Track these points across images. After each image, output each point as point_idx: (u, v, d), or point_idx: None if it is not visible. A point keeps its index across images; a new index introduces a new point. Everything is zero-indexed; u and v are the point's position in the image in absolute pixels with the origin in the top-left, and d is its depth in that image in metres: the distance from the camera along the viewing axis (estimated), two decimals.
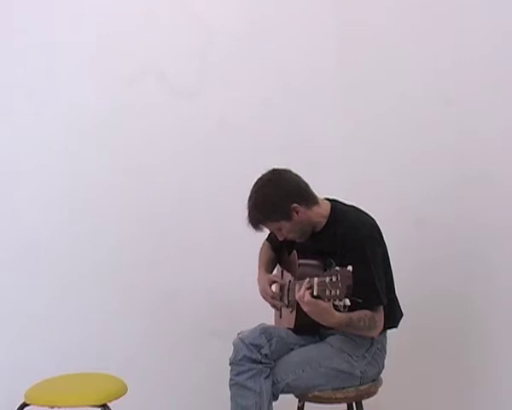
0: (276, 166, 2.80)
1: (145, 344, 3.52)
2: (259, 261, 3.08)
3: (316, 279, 2.47)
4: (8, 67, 3.35)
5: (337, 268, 2.43)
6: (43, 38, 3.37)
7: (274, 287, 2.98)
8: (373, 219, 2.81)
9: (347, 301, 2.40)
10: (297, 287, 2.57)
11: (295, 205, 2.73)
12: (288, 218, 2.74)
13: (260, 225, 2.79)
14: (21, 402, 2.77)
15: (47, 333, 3.36)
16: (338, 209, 2.82)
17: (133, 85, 3.46)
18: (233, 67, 3.63)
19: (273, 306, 2.99)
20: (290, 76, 3.69)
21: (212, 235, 3.59)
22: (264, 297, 2.96)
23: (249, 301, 3.14)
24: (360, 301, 2.48)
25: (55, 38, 3.39)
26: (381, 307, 2.69)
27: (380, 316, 2.68)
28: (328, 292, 2.42)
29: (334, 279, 2.40)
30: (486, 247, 3.07)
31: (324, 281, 2.43)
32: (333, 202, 2.85)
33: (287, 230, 2.79)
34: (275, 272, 3.09)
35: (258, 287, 2.99)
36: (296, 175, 2.79)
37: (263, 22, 3.67)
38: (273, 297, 2.94)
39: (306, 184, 2.80)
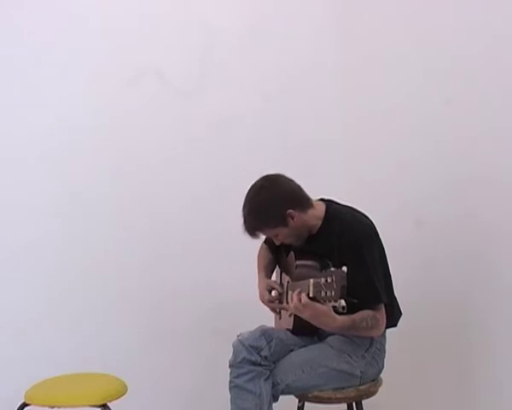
0: (268, 173, 2.79)
1: (145, 344, 3.52)
2: (258, 265, 3.07)
3: (311, 280, 2.47)
4: (7, 68, 3.35)
5: (332, 269, 2.42)
6: (42, 38, 3.37)
7: (273, 292, 2.98)
8: (368, 219, 2.80)
9: (343, 302, 2.39)
10: (289, 298, 2.56)
11: (290, 211, 2.72)
12: (284, 224, 2.73)
13: (257, 233, 2.79)
14: (21, 402, 2.78)
15: (47, 333, 3.36)
16: (332, 209, 2.81)
17: (133, 86, 3.46)
18: (233, 67, 3.63)
19: (272, 310, 2.99)
20: (290, 75, 3.69)
21: (213, 234, 3.59)
22: (262, 302, 2.96)
23: (250, 302, 3.13)
24: (356, 301, 2.48)
25: (56, 38, 3.39)
26: (382, 305, 2.68)
27: (381, 314, 2.68)
28: (323, 293, 2.42)
29: (329, 280, 2.40)
30: (486, 246, 3.07)
31: (319, 282, 2.43)
32: (328, 202, 2.85)
33: (283, 235, 2.79)
34: (273, 275, 3.09)
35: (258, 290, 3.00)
36: (289, 180, 2.78)
37: (263, 21, 3.67)
38: (271, 301, 2.94)
39: (300, 188, 2.78)
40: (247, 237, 2.81)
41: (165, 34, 3.54)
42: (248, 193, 2.77)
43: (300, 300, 2.48)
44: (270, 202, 2.72)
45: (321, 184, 2.87)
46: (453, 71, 3.15)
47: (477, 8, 3.05)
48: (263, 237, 2.94)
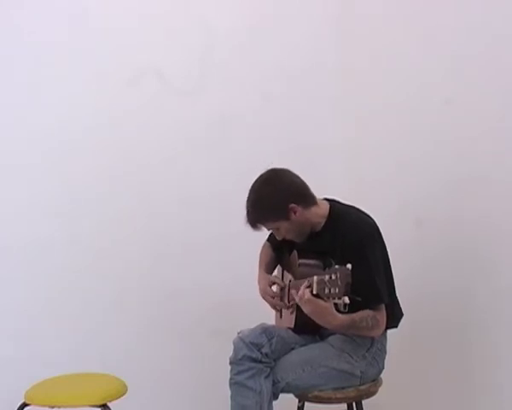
0: (274, 166, 2.79)
1: (145, 344, 3.52)
2: (260, 262, 3.08)
3: (315, 277, 2.48)
4: (7, 68, 3.35)
5: (336, 266, 2.43)
6: (43, 38, 3.37)
7: (274, 288, 2.98)
8: (372, 219, 2.80)
9: (346, 300, 2.40)
10: (296, 290, 2.57)
11: (293, 205, 2.72)
12: (286, 218, 2.74)
13: (258, 225, 2.79)
14: (21, 402, 2.78)
15: (47, 333, 3.37)
16: (337, 209, 2.82)
17: (133, 86, 3.46)
18: (233, 67, 3.63)
19: (273, 307, 2.98)
20: (290, 75, 3.69)
21: (213, 234, 3.59)
22: (264, 298, 2.96)
23: (250, 301, 3.13)
24: (359, 299, 2.48)
25: (56, 38, 3.39)
26: (383, 306, 2.69)
27: (381, 315, 2.68)
28: (327, 290, 2.43)
29: (333, 277, 2.41)
30: (486, 246, 3.06)
31: (323, 279, 2.44)
32: (332, 202, 2.85)
33: (285, 229, 2.79)
34: (275, 272, 3.09)
35: (258, 287, 2.99)
36: (295, 175, 2.79)
37: (263, 21, 3.67)
38: (273, 297, 2.94)
39: (305, 185, 2.79)
40: (248, 236, 2.82)
41: (165, 34, 3.54)
42: (253, 184, 2.78)
43: (304, 295, 2.48)
44: (274, 195, 2.72)
45: (321, 185, 2.86)
46: (453, 71, 3.15)
47: (477, 8, 3.05)
48: (264, 233, 2.93)
